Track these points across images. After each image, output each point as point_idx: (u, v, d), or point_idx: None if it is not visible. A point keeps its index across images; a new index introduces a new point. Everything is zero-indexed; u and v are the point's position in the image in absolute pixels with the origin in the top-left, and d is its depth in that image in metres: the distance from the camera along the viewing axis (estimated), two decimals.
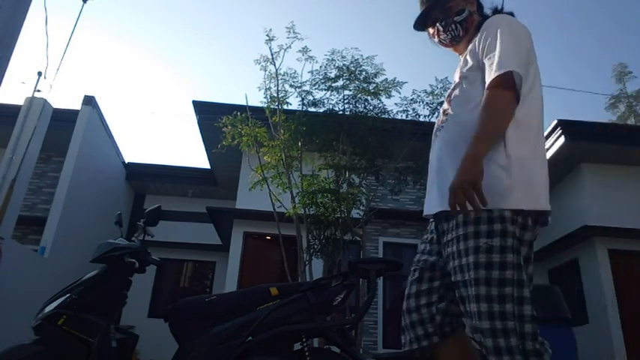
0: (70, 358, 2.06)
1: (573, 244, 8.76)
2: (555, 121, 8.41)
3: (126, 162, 11.06)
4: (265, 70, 6.59)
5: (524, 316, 1.37)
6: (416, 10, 1.84)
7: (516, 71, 1.46)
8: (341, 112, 6.64)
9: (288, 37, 6.46)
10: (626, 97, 22.17)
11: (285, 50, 6.51)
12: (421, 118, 6.67)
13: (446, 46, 1.85)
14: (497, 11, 1.76)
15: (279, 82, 6.59)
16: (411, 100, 6.64)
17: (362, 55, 6.47)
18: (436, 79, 6.67)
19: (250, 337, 1.89)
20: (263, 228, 8.44)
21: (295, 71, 6.68)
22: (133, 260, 2.29)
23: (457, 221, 1.49)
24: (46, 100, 5.96)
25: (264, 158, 6.56)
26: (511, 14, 1.71)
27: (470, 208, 1.38)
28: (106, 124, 9.71)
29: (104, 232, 7.59)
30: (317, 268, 6.42)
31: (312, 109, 6.72)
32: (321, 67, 6.52)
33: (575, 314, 4.98)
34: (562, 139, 8.30)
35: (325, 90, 6.62)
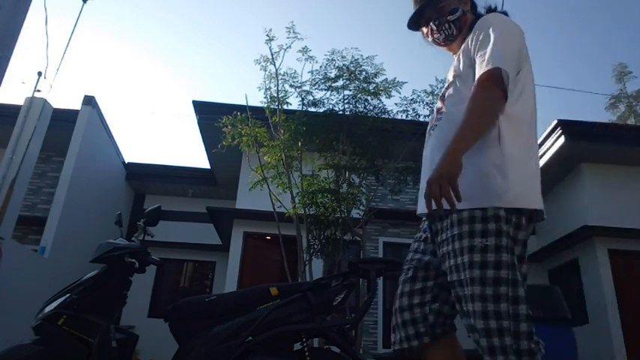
0: (70, 358, 2.06)
1: (573, 244, 8.76)
2: (555, 121, 8.41)
3: (126, 162, 11.06)
4: (265, 70, 6.60)
5: (519, 316, 1.37)
6: (411, 9, 1.84)
7: (505, 69, 1.46)
8: (341, 112, 6.64)
9: (288, 37, 6.47)
10: (626, 97, 22.17)
11: (285, 50, 6.52)
12: (421, 118, 6.67)
13: (439, 45, 1.84)
14: (490, 10, 1.76)
15: (279, 82, 6.59)
16: (411, 100, 6.65)
17: (362, 55, 6.48)
18: (436, 79, 6.67)
19: (250, 337, 1.89)
20: (263, 228, 8.44)
21: (295, 71, 6.69)
22: (133, 260, 2.29)
23: (451, 220, 1.49)
24: (46, 100, 5.96)
25: (264, 158, 6.56)
26: (504, 13, 1.71)
27: (445, 204, 1.36)
28: (106, 124, 9.71)
29: (104, 232, 7.59)
30: (317, 268, 6.42)
31: (312, 109, 6.72)
32: (321, 67, 6.53)
33: (575, 314, 4.98)
34: (562, 139, 8.30)
35: (325, 90, 6.62)
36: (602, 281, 7.97)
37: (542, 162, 8.96)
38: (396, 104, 6.72)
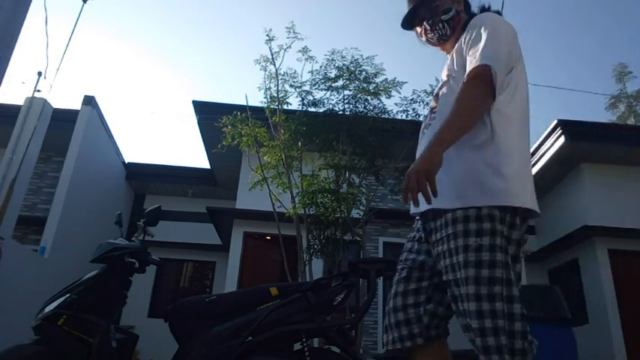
0: (70, 358, 2.07)
1: (573, 244, 8.76)
2: (555, 121, 8.41)
3: (126, 162, 11.06)
4: (265, 70, 6.60)
5: (513, 315, 1.37)
6: (405, 8, 1.84)
7: (494, 67, 1.45)
8: (341, 112, 6.65)
9: (288, 37, 6.47)
10: (626, 97, 22.17)
11: (285, 50, 6.52)
12: (421, 118, 6.64)
13: (433, 44, 1.84)
14: (484, 10, 1.76)
15: (279, 82, 6.59)
16: (411, 100, 6.65)
17: (362, 55, 6.48)
18: (436, 79, 6.65)
19: (250, 337, 1.90)
20: (263, 228, 8.43)
21: (295, 71, 6.69)
22: (133, 260, 2.29)
23: (446, 220, 1.49)
24: (46, 100, 5.96)
25: (264, 158, 6.56)
26: (498, 13, 1.71)
27: (421, 198, 1.36)
28: (106, 124, 9.71)
29: (104, 232, 7.60)
30: (317, 268, 6.42)
31: (312, 109, 6.72)
32: (321, 67, 6.53)
33: (575, 314, 4.97)
34: (562, 139, 8.30)
35: (325, 90, 6.63)
36: (602, 281, 7.97)
37: (542, 162, 8.97)
38: (396, 104, 6.73)
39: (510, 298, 1.38)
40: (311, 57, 6.51)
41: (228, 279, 8.41)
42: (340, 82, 6.54)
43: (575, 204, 8.90)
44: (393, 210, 8.94)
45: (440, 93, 1.70)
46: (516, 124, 1.55)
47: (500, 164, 1.47)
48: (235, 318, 2.00)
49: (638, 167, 8.76)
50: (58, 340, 2.09)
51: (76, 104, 9.78)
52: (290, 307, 1.96)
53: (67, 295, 2.21)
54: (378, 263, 2.00)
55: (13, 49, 2.96)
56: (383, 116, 6.69)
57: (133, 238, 2.50)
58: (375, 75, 6.51)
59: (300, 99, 6.69)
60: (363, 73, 6.50)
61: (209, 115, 8.43)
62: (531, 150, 9.26)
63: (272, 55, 6.53)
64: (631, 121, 21.12)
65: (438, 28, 1.77)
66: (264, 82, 6.62)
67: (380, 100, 6.63)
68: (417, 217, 1.73)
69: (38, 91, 5.75)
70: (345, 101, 6.64)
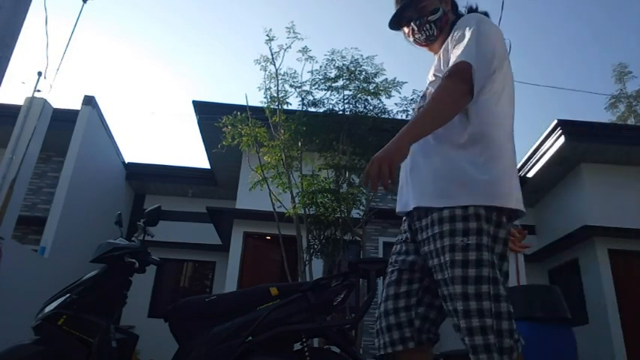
0: (70, 358, 2.07)
1: (573, 244, 8.76)
2: (555, 121, 8.41)
3: (126, 162, 11.06)
4: (265, 70, 6.61)
5: (501, 313, 1.37)
6: (392, 9, 1.84)
7: (474, 67, 1.45)
8: (341, 112, 6.65)
9: (288, 37, 6.49)
10: (626, 97, 22.14)
11: (285, 50, 6.53)
12: None
13: (421, 45, 1.84)
14: (471, 10, 1.76)
15: (279, 82, 6.60)
16: (411, 100, 6.64)
17: (362, 55, 6.49)
18: None
19: (250, 337, 1.90)
20: (263, 228, 8.44)
21: (295, 71, 6.70)
22: (133, 260, 2.29)
23: (432, 219, 1.49)
24: (46, 100, 5.97)
25: (264, 158, 6.56)
26: (485, 14, 1.71)
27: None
28: (106, 124, 9.71)
29: (104, 232, 7.60)
30: (317, 268, 6.42)
31: (312, 109, 6.73)
32: (321, 67, 6.54)
33: (575, 314, 4.97)
34: (562, 139, 8.31)
35: (325, 90, 6.63)
36: (602, 281, 7.97)
37: (542, 162, 8.97)
38: (396, 104, 6.73)
39: (497, 297, 1.38)
40: (311, 57, 6.53)
41: (228, 279, 8.41)
42: (340, 82, 6.55)
43: (575, 204, 8.90)
44: (393, 210, 8.86)
45: (427, 93, 1.71)
46: (502, 123, 1.55)
47: (486, 163, 1.47)
48: (235, 318, 2.00)
49: (638, 167, 8.76)
50: (58, 340, 2.09)
51: (76, 104, 9.79)
52: (290, 307, 1.96)
53: (67, 295, 2.21)
54: (378, 263, 2.00)
55: (13, 49, 2.96)
56: (383, 116, 6.69)
57: (133, 238, 2.50)
58: (375, 75, 6.52)
59: (300, 99, 6.71)
60: (363, 73, 6.51)
61: (209, 115, 8.43)
62: (531, 150, 9.29)
63: (272, 55, 6.54)
64: (631, 121, 21.11)
65: (425, 28, 1.76)
66: (264, 82, 6.64)
67: (380, 100, 6.65)
68: (404, 218, 1.73)
69: (38, 91, 5.76)
70: (345, 101, 6.65)
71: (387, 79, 6.55)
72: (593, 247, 8.32)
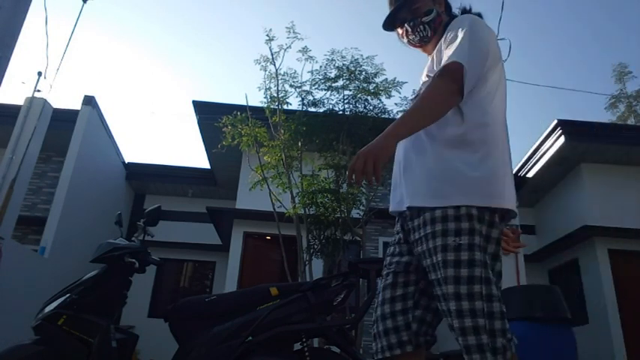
0: (70, 358, 2.07)
1: (573, 244, 8.76)
2: (555, 121, 8.41)
3: (126, 162, 11.06)
4: (265, 70, 6.60)
5: (493, 313, 1.37)
6: (386, 10, 1.84)
7: (466, 67, 1.45)
8: (341, 112, 6.65)
9: (288, 37, 6.48)
10: (626, 97, 22.14)
11: (285, 50, 6.52)
12: None
13: (415, 46, 1.84)
14: (465, 11, 1.76)
15: (279, 82, 6.59)
16: (411, 100, 6.64)
17: (362, 55, 6.48)
18: None
19: (250, 337, 1.90)
20: (263, 228, 8.44)
21: (295, 71, 6.69)
22: (133, 260, 2.29)
23: (424, 219, 1.48)
24: (46, 100, 5.97)
25: (264, 158, 6.56)
26: (479, 15, 1.71)
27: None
28: (106, 124, 9.71)
29: (104, 232, 7.60)
30: (317, 268, 6.42)
31: (312, 109, 6.72)
32: (321, 67, 6.53)
33: (575, 314, 4.98)
34: (562, 139, 8.31)
35: (325, 90, 6.63)
36: (602, 281, 7.97)
37: (542, 162, 8.97)
38: (396, 104, 6.74)
39: (490, 297, 1.38)
40: (311, 57, 6.52)
41: (228, 279, 8.41)
42: (340, 82, 6.54)
43: (575, 204, 8.91)
44: None
45: (420, 94, 1.71)
46: (496, 124, 1.55)
47: (480, 163, 1.46)
48: (235, 318, 2.00)
49: (638, 167, 8.76)
50: (58, 340, 2.09)
51: (76, 104, 9.79)
52: (290, 307, 1.96)
53: (67, 295, 2.21)
54: (378, 263, 1.99)
55: (13, 49, 2.96)
56: (383, 116, 6.68)
57: (133, 238, 2.50)
58: (375, 75, 6.52)
59: (300, 99, 6.70)
60: (363, 73, 6.50)
61: (209, 115, 8.43)
62: (531, 150, 9.29)
63: (272, 55, 6.54)
64: (631, 121, 21.11)
65: (419, 30, 1.76)
66: (264, 82, 6.63)
67: (380, 100, 6.64)
68: (397, 219, 1.72)
69: (38, 91, 5.77)
70: (345, 101, 6.64)
71: (387, 79, 6.55)
72: (593, 247, 8.32)
